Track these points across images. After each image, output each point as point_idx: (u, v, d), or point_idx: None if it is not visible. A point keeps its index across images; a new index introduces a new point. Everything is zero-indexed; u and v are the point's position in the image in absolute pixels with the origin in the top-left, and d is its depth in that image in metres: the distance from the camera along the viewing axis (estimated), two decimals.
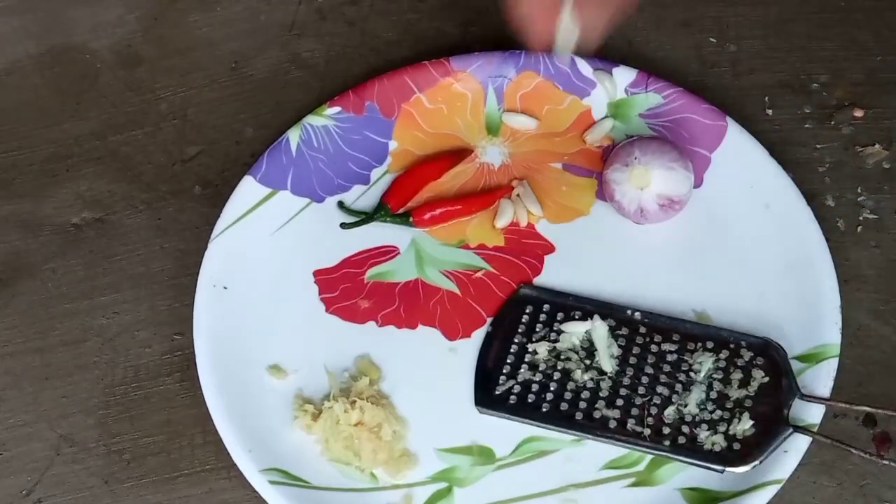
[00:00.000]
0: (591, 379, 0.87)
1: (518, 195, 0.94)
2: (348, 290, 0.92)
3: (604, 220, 0.93)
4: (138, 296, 0.94)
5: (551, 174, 0.95)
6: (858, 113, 0.97)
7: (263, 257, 0.92)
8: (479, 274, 0.92)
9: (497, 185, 0.95)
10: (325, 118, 0.96)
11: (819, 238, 0.90)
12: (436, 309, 0.91)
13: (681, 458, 0.85)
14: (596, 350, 0.88)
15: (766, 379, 0.86)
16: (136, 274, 0.94)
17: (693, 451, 0.85)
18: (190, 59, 1.02)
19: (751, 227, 0.92)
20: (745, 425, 0.84)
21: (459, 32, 1.02)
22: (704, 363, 0.87)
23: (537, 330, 0.89)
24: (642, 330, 0.89)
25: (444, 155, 0.96)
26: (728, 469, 0.84)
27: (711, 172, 0.94)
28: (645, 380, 0.87)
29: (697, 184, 0.93)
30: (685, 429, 0.85)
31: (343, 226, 0.94)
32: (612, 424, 0.86)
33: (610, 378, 0.87)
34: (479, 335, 0.90)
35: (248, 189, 0.94)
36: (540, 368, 0.88)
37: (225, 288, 0.91)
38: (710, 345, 0.88)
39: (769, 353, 0.87)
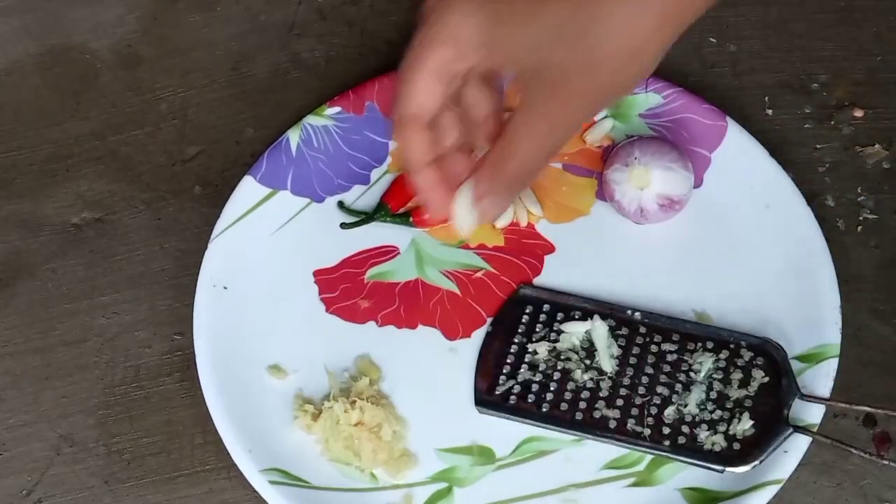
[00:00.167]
0: (591, 379, 0.87)
1: (518, 195, 0.94)
2: (348, 290, 0.92)
3: (604, 220, 0.93)
4: (138, 296, 0.94)
5: (551, 174, 0.95)
6: (858, 113, 0.97)
7: (263, 257, 0.92)
8: (479, 274, 0.92)
9: None
10: (325, 118, 0.96)
11: (819, 238, 0.90)
12: (436, 309, 0.91)
13: (681, 458, 0.85)
14: (596, 350, 0.88)
15: (766, 379, 0.86)
16: (136, 274, 0.94)
17: (693, 451, 0.85)
18: (190, 59, 1.02)
19: (751, 227, 0.92)
20: (745, 425, 0.84)
21: None
22: (704, 363, 0.87)
23: (537, 330, 0.89)
24: (642, 330, 0.89)
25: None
26: (728, 469, 0.84)
27: (711, 172, 0.94)
28: (645, 380, 0.87)
29: (697, 184, 0.93)
30: (685, 429, 0.85)
31: (343, 226, 0.94)
32: (612, 424, 0.86)
33: (610, 378, 0.87)
34: (479, 335, 0.90)
35: (248, 189, 0.94)
36: (540, 368, 0.88)
37: (225, 288, 0.91)
38: (710, 345, 0.88)
39: (769, 353, 0.87)
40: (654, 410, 0.86)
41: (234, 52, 1.03)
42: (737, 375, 0.86)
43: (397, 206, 0.94)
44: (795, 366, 0.86)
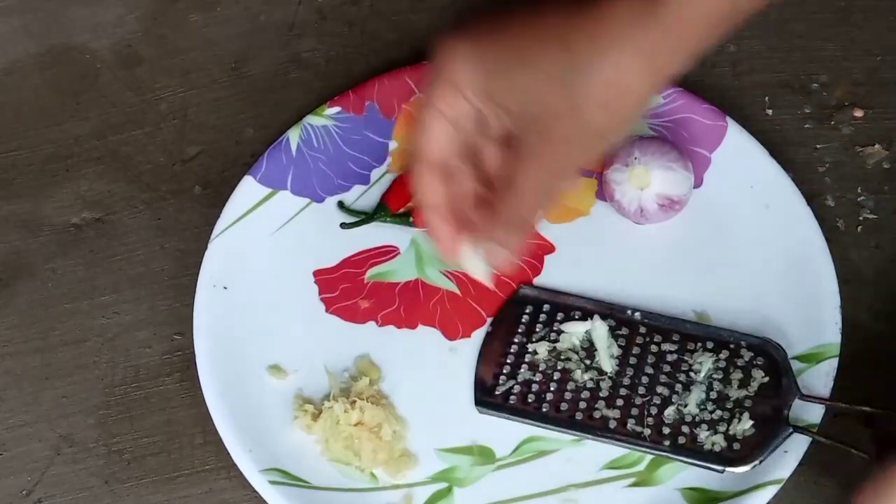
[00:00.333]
0: (591, 379, 0.87)
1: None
2: (348, 290, 0.92)
3: (604, 220, 0.93)
4: (138, 296, 0.94)
5: None
6: (858, 113, 0.97)
7: (263, 257, 0.92)
8: None
9: None
10: (325, 118, 0.96)
11: (819, 238, 0.90)
12: (436, 309, 0.91)
13: (681, 458, 0.85)
14: (596, 350, 0.88)
15: (766, 379, 0.86)
16: (136, 274, 0.94)
17: (693, 451, 0.85)
18: (190, 59, 1.02)
19: (751, 227, 0.92)
20: (745, 425, 0.84)
21: None
22: (704, 363, 0.87)
23: (537, 330, 0.89)
24: (642, 330, 0.89)
25: None
26: (728, 469, 0.84)
27: (711, 172, 0.94)
28: (645, 380, 0.87)
29: (697, 184, 0.93)
30: (685, 429, 0.85)
31: (343, 226, 0.94)
32: (612, 424, 0.86)
33: (610, 378, 0.87)
34: (479, 335, 0.90)
35: (248, 189, 0.94)
36: (540, 368, 0.88)
37: (225, 288, 0.91)
38: (710, 345, 0.88)
39: (769, 353, 0.87)
40: (654, 410, 0.86)
41: (234, 52, 1.02)
42: (737, 375, 0.86)
43: (397, 206, 0.94)
44: (795, 366, 0.86)
